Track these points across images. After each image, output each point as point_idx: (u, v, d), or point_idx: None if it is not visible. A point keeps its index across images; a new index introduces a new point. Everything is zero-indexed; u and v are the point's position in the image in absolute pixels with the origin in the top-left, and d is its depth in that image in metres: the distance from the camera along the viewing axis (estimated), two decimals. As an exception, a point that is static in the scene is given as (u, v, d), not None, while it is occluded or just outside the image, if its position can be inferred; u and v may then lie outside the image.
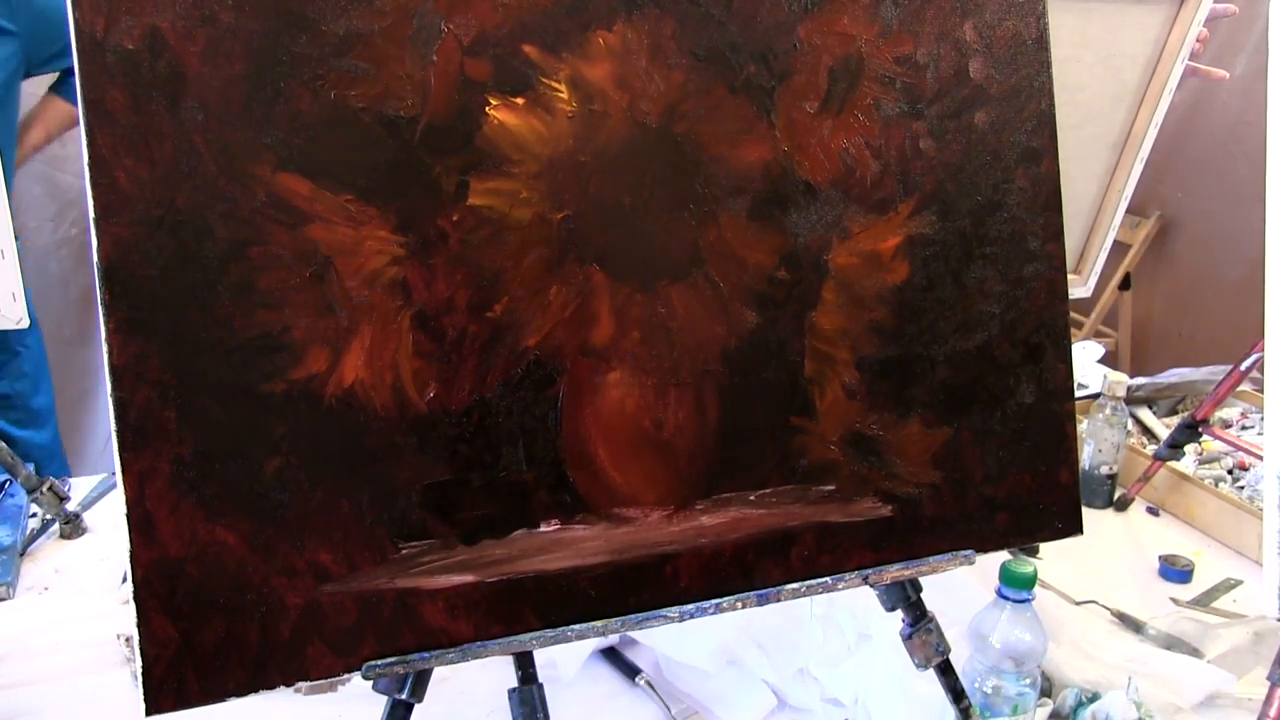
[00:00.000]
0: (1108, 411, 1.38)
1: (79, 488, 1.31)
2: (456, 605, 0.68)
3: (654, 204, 0.71)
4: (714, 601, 0.75)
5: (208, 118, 0.60)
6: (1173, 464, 1.40)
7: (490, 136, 0.67)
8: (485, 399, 0.68)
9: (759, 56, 0.73)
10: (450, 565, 0.68)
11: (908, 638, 0.82)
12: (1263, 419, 1.38)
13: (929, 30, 0.78)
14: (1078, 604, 1.16)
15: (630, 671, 1.01)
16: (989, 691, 0.87)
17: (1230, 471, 1.45)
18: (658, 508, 0.73)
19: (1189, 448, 1.41)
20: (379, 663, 0.66)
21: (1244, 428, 1.55)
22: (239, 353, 0.62)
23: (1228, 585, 1.23)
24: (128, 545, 0.61)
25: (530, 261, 0.68)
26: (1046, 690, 0.97)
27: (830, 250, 0.76)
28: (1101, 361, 1.83)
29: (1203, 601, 1.20)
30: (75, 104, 0.59)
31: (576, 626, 0.71)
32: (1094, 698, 0.94)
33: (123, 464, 0.60)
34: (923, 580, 0.82)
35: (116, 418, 0.60)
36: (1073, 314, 1.55)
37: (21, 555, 1.17)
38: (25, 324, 1.09)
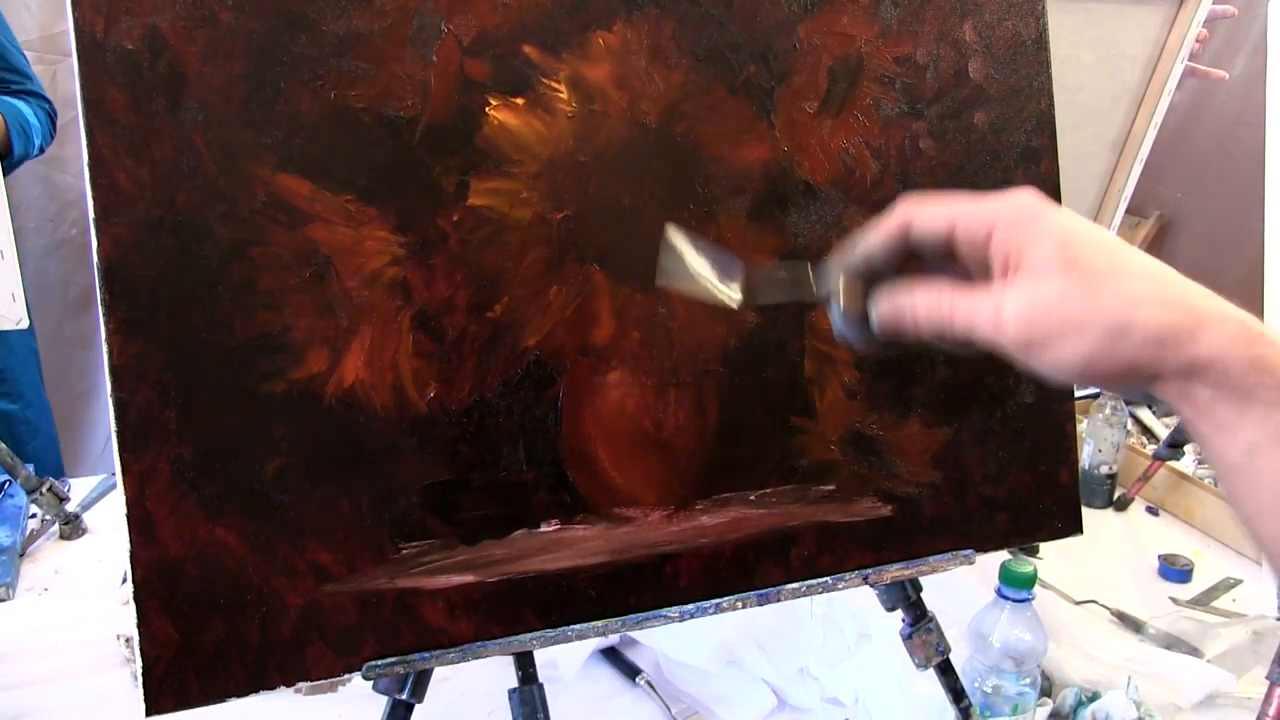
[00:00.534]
0: (1107, 411, 1.38)
1: (79, 488, 1.31)
2: (457, 605, 0.68)
3: (654, 204, 0.71)
4: (714, 601, 0.75)
5: (208, 118, 0.60)
6: (1172, 464, 1.40)
7: (490, 137, 0.67)
8: (485, 399, 0.68)
9: (759, 56, 0.73)
10: (450, 565, 0.68)
11: (908, 637, 0.82)
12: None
13: (928, 30, 0.78)
14: (1078, 604, 1.17)
15: (630, 671, 1.01)
16: (989, 691, 0.87)
17: (1230, 471, 1.45)
18: (658, 508, 0.73)
19: (1189, 447, 1.41)
20: (379, 663, 0.66)
21: (1244, 427, 1.55)
22: (239, 353, 0.62)
23: (1227, 585, 1.24)
24: (128, 545, 0.60)
25: (530, 261, 0.68)
26: (1046, 690, 0.97)
27: (830, 250, 0.76)
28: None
29: (1202, 601, 1.20)
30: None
31: (576, 626, 0.71)
32: (1094, 697, 0.94)
33: (123, 464, 0.60)
34: (923, 580, 0.82)
35: (116, 418, 0.60)
36: (1072, 314, 1.54)
37: (21, 556, 1.17)
38: (25, 324, 1.09)
